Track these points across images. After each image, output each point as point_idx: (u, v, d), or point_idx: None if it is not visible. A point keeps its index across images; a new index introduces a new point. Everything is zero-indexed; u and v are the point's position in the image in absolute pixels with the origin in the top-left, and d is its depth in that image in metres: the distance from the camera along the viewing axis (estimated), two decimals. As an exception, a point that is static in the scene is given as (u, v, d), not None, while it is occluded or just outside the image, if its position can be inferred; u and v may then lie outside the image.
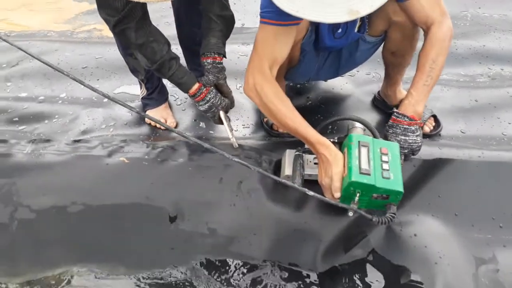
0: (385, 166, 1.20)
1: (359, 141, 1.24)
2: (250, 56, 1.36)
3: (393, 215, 1.20)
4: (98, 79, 2.06)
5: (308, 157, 1.41)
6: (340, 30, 1.46)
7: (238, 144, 1.56)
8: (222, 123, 1.56)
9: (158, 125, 1.77)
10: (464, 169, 1.51)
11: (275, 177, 1.18)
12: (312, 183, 1.33)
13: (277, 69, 1.36)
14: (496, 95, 1.88)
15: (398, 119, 1.34)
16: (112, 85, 2.02)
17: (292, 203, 1.41)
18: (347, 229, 1.37)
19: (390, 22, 1.45)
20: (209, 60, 1.47)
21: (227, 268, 1.36)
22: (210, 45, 1.47)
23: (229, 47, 1.97)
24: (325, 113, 1.83)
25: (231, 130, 1.55)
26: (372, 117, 1.82)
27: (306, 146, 1.36)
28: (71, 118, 1.82)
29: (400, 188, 1.18)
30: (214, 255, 1.37)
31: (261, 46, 1.33)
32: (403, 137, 1.34)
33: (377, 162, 1.21)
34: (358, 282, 1.32)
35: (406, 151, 1.35)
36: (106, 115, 1.82)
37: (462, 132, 1.72)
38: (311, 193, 1.16)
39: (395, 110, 1.36)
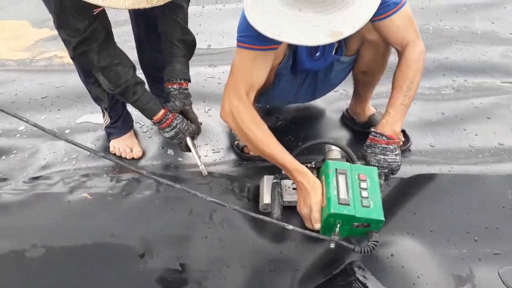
0: (364, 193, 1.16)
1: (336, 169, 1.21)
2: (227, 81, 1.33)
3: (375, 243, 1.17)
4: (59, 109, 1.98)
5: (287, 183, 1.39)
6: (318, 54, 1.45)
7: (208, 172, 1.51)
8: (189, 150, 1.51)
9: (123, 155, 1.70)
10: (436, 184, 1.52)
11: (253, 214, 1.12)
12: (292, 209, 1.30)
13: (254, 94, 1.34)
14: (461, 106, 1.91)
15: (376, 138, 1.32)
16: (75, 115, 1.94)
17: (267, 232, 1.37)
18: (324, 256, 1.34)
19: (363, 41, 1.45)
20: (175, 86, 1.44)
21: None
22: (175, 71, 1.43)
23: (196, 69, 1.95)
24: (295, 133, 1.81)
25: (199, 157, 1.51)
26: (342, 135, 1.81)
27: (283, 172, 1.33)
28: (31, 152, 1.73)
29: (381, 217, 1.14)
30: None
31: (238, 71, 1.31)
32: (382, 157, 1.32)
33: (356, 190, 1.17)
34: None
35: (386, 170, 1.32)
36: (68, 147, 1.73)
37: (432, 146, 1.73)
38: (290, 227, 1.11)
39: (373, 129, 1.34)
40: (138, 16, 1.60)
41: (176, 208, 1.39)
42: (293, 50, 1.43)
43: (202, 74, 2.13)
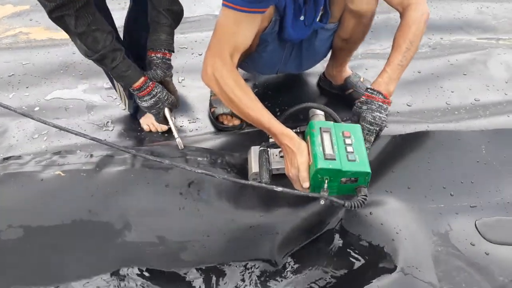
0: (350, 149, 1.19)
1: (320, 127, 1.22)
2: (209, 42, 1.28)
3: (364, 197, 1.19)
4: (27, 87, 1.90)
5: (274, 151, 1.38)
6: (302, 17, 1.40)
7: (184, 145, 1.47)
8: (166, 121, 1.47)
9: (153, 129, 1.64)
10: (413, 142, 1.53)
11: (241, 181, 1.15)
12: (281, 176, 1.30)
13: (238, 57, 1.29)
14: (437, 64, 1.91)
15: (373, 95, 1.32)
16: (43, 92, 1.87)
17: (245, 198, 1.36)
18: (304, 218, 1.34)
19: (345, 9, 1.42)
20: (158, 55, 1.40)
21: (183, 275, 1.29)
22: (160, 40, 1.39)
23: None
24: (272, 100, 1.79)
25: (176, 129, 1.47)
26: (319, 99, 1.79)
27: (270, 140, 1.33)
28: (-1, 132, 1.68)
29: (367, 169, 1.17)
30: (167, 263, 1.30)
31: (222, 32, 1.25)
32: (378, 114, 1.32)
33: (341, 146, 1.19)
34: (321, 268, 1.30)
35: (377, 128, 1.33)
36: (37, 124, 1.68)
37: (408, 105, 1.73)
38: (279, 188, 1.14)
39: (369, 86, 1.35)
40: None
41: (152, 182, 1.37)
42: (281, 16, 1.39)
43: (174, 44, 2.06)
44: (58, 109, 1.78)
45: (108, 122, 1.71)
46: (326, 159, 1.15)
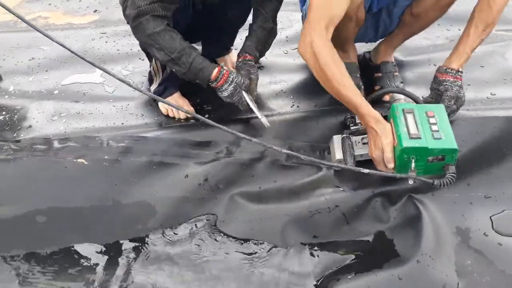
0: (434, 127, 1.22)
1: (403, 109, 1.26)
2: (307, 13, 1.30)
3: (453, 175, 1.20)
4: (46, 70, 1.94)
5: (356, 139, 1.41)
6: None
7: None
8: (248, 105, 1.50)
9: (176, 115, 1.64)
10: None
11: (327, 163, 1.24)
12: (363, 163, 1.34)
13: (332, 30, 1.31)
14: (455, 56, 1.88)
15: (445, 73, 1.43)
16: (62, 75, 1.90)
17: (260, 186, 1.42)
18: (316, 203, 1.36)
19: None
20: (240, 59, 1.52)
21: (202, 264, 1.29)
22: (244, 48, 1.53)
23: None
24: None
25: (258, 109, 1.49)
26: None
27: (351, 128, 1.39)
28: (20, 113, 1.71)
29: (454, 146, 1.18)
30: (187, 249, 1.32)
31: (319, 3, 1.27)
32: (453, 92, 1.42)
33: (426, 126, 1.22)
34: (333, 254, 1.29)
35: (454, 102, 1.42)
36: (57, 106, 1.72)
37: (423, 98, 1.71)
38: (366, 170, 1.18)
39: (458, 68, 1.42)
40: None
41: (172, 173, 1.43)
42: None
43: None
44: (76, 93, 1.80)
45: (126, 106, 1.73)
46: (411, 138, 1.18)
